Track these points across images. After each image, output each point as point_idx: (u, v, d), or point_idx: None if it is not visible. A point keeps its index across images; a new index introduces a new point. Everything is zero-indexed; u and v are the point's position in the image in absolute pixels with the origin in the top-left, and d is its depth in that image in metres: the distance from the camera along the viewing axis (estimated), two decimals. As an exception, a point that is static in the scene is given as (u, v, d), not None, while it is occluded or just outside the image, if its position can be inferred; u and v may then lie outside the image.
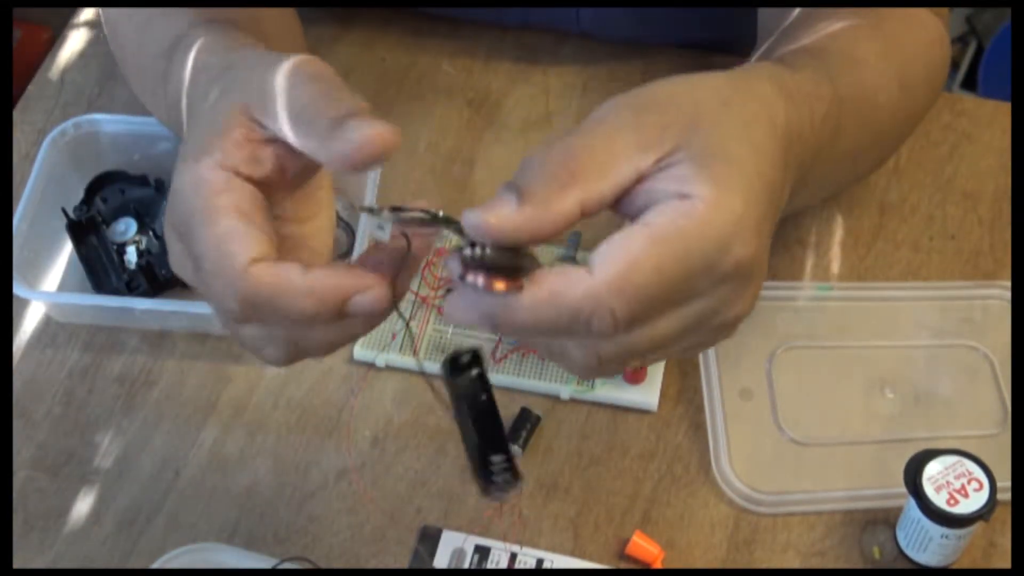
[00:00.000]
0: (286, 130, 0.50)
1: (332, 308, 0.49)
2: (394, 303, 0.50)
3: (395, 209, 0.49)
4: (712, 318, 0.50)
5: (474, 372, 0.50)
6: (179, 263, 0.54)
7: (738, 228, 0.48)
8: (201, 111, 0.55)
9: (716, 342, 0.53)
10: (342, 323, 0.50)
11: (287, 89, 0.51)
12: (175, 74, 0.61)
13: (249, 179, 0.51)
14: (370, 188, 0.74)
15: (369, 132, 0.48)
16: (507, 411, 0.70)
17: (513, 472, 0.50)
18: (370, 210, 0.50)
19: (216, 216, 0.50)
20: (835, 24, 0.66)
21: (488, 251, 0.46)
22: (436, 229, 0.50)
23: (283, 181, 0.53)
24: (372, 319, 0.51)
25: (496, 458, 0.50)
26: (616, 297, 0.46)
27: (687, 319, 0.49)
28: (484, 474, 0.50)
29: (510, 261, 0.47)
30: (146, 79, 0.70)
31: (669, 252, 0.47)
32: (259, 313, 0.50)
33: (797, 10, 0.69)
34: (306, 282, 0.49)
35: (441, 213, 0.49)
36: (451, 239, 0.76)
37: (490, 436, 0.50)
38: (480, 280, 0.46)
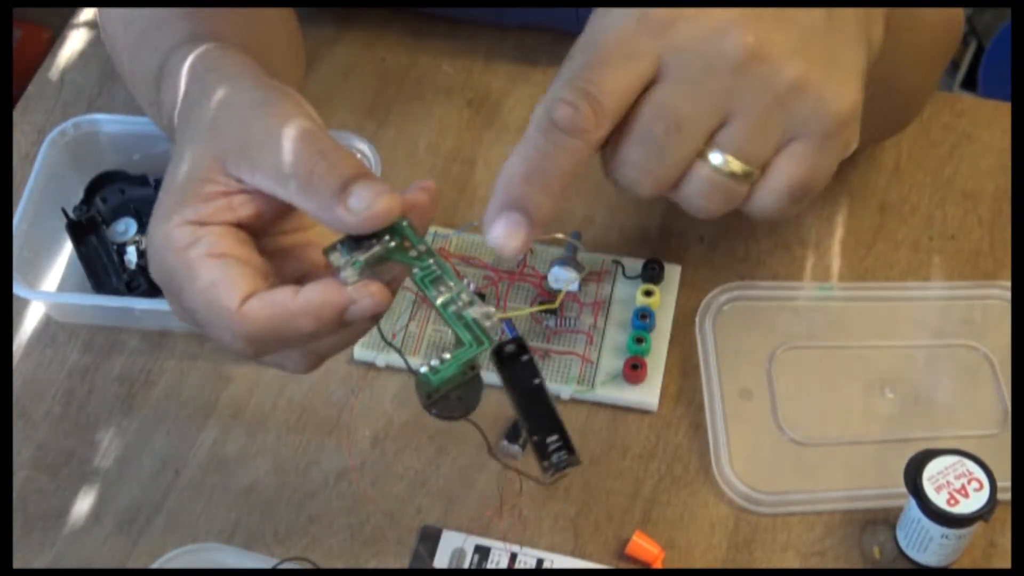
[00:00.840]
0: (278, 190, 0.51)
1: (331, 322, 0.49)
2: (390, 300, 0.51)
3: (354, 240, 0.50)
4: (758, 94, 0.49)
5: (524, 358, 0.51)
6: (179, 314, 0.54)
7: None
8: (177, 156, 0.55)
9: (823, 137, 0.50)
10: (348, 327, 0.51)
11: (275, 147, 0.51)
12: (166, 105, 0.61)
13: (220, 223, 0.52)
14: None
15: (377, 206, 0.49)
16: (507, 411, 0.70)
17: (568, 449, 0.51)
18: (331, 249, 0.51)
19: (194, 270, 0.51)
20: None
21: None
22: (407, 250, 0.51)
23: (258, 224, 0.53)
24: (377, 317, 0.51)
25: (551, 439, 0.51)
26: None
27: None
28: (542, 454, 0.51)
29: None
30: (142, 100, 0.70)
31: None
32: (266, 344, 0.51)
33: None
34: (300, 304, 0.49)
35: (405, 223, 0.51)
36: (451, 240, 0.76)
37: (546, 417, 0.51)
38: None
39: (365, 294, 0.49)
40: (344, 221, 0.49)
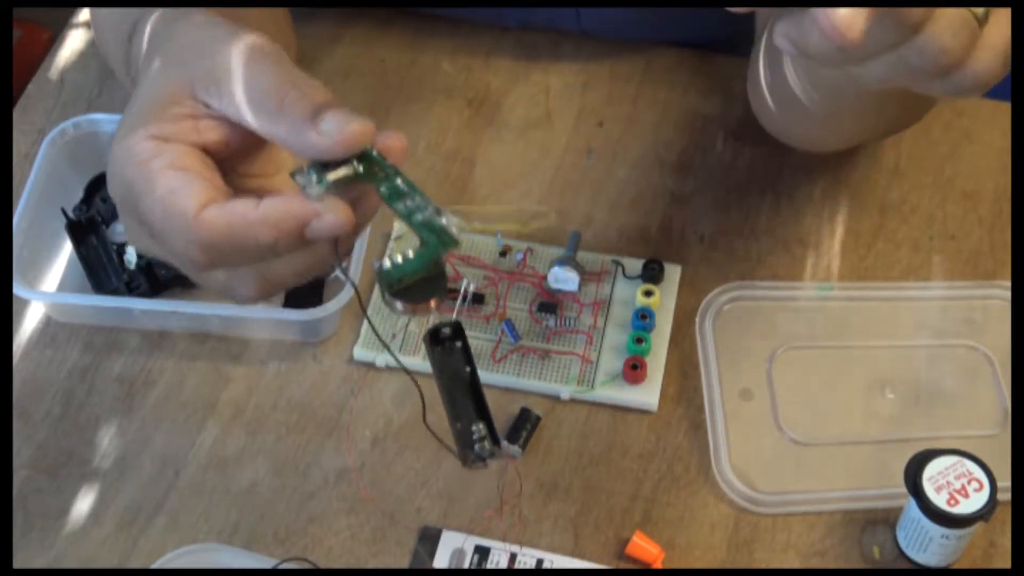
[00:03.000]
0: (248, 117, 0.50)
1: (291, 235, 0.49)
2: (356, 230, 0.51)
3: (322, 166, 0.50)
4: None
5: (458, 344, 0.51)
6: (134, 235, 0.54)
7: None
8: (142, 83, 0.54)
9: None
10: (308, 250, 0.50)
11: (246, 74, 0.51)
12: (134, 57, 0.61)
13: (185, 143, 0.51)
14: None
15: (349, 129, 0.49)
16: (507, 411, 0.70)
17: (493, 440, 0.51)
18: (297, 171, 0.50)
19: (154, 179, 0.50)
20: None
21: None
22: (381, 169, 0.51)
23: (224, 152, 0.53)
24: (341, 246, 0.50)
25: (476, 427, 0.51)
26: None
27: None
28: (465, 443, 0.51)
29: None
30: (116, 64, 0.70)
31: None
32: (221, 256, 0.50)
33: None
34: (260, 213, 0.49)
35: (375, 152, 0.50)
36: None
37: (473, 406, 0.52)
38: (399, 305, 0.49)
39: (329, 209, 0.48)
40: (315, 145, 0.49)
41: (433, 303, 0.49)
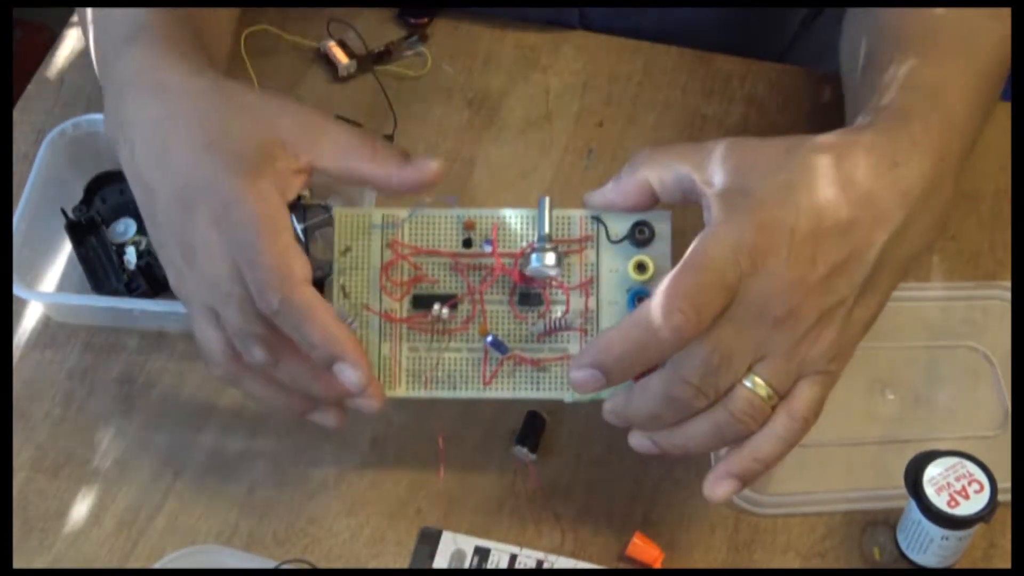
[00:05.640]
0: (348, 163, 0.61)
1: (331, 353, 0.58)
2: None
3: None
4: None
5: None
6: (208, 260, 0.58)
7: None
8: (219, 132, 0.60)
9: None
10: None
11: (334, 131, 0.61)
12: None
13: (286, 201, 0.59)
14: (369, 190, 0.74)
15: (433, 166, 0.61)
16: (513, 415, 0.70)
17: None
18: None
19: (280, 230, 0.57)
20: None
21: None
22: None
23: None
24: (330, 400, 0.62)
25: None
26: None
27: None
28: None
29: None
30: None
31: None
32: (285, 323, 0.58)
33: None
34: (329, 316, 0.58)
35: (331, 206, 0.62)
36: (403, 228, 0.65)
37: None
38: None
39: (363, 363, 0.59)
40: (411, 179, 0.61)
41: None
